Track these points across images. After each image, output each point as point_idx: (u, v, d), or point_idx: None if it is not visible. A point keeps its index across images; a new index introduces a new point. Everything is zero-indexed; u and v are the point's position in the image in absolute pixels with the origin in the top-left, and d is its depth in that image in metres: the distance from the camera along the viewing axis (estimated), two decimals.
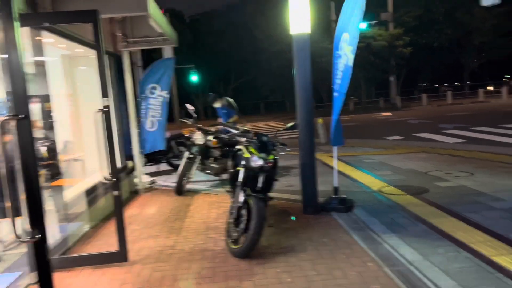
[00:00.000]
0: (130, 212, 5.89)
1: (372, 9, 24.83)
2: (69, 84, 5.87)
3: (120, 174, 4.11)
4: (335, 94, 5.06)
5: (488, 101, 27.36)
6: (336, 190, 5.38)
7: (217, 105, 7.90)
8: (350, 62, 4.61)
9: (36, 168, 2.27)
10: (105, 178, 3.77)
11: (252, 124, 20.76)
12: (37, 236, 2.20)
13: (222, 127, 6.17)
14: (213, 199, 6.38)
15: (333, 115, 5.11)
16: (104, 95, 3.68)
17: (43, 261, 2.27)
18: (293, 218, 4.83)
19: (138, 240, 4.65)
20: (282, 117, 27.76)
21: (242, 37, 34.26)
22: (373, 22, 27.58)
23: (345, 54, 4.64)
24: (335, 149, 5.44)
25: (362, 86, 34.12)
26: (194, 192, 6.92)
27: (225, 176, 7.42)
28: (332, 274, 3.47)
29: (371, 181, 6.75)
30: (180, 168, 6.83)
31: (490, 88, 36.08)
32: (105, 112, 3.68)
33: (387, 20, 29.30)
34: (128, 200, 6.59)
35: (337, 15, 5.51)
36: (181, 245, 4.39)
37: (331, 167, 7.74)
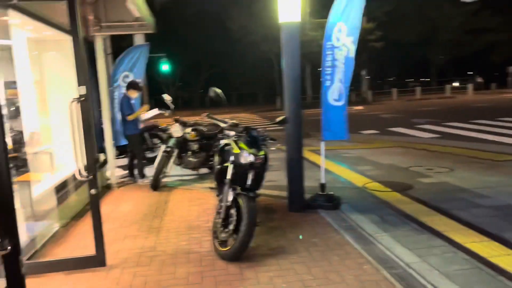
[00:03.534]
0: (103, 210, 5.40)
1: None
2: (36, 70, 5.38)
3: (97, 170, 3.75)
4: (326, 83, 4.85)
5: (454, 96, 28.17)
6: (323, 186, 5.20)
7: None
8: (352, 53, 4.46)
9: (7, 165, 1.91)
10: (80, 175, 3.41)
11: (223, 116, 20.29)
12: (8, 247, 1.86)
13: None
14: (193, 195, 6.07)
15: (322, 107, 4.94)
16: (81, 82, 3.32)
17: (14, 276, 1.93)
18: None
19: (115, 241, 4.30)
20: (254, 109, 27.49)
21: (215, 27, 33.58)
22: None
23: (345, 45, 4.44)
24: (322, 144, 5.25)
25: None
26: (171, 187, 6.58)
27: (203, 171, 7.13)
28: (328, 278, 3.27)
29: (353, 177, 6.63)
30: (157, 162, 6.47)
31: (456, 84, 37.24)
32: (82, 101, 3.32)
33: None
34: (100, 196, 6.17)
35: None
36: (163, 247, 4.07)
37: (312, 162, 7.60)
